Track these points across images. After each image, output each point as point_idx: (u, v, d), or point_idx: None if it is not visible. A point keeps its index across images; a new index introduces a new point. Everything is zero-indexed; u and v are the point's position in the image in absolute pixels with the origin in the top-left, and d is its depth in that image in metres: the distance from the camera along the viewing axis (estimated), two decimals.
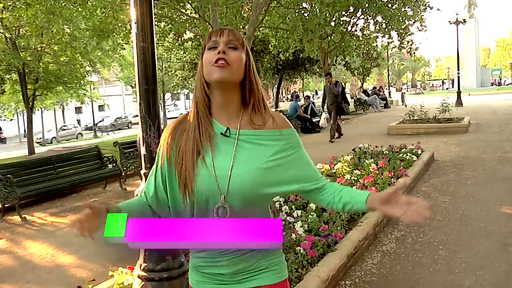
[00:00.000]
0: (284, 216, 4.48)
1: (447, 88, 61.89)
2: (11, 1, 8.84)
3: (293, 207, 4.84)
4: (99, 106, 43.41)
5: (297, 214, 4.51)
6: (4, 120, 36.80)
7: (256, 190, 1.38)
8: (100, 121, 45.95)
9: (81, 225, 1.26)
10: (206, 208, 1.42)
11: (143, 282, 2.87)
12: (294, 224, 4.20)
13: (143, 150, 2.83)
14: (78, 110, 54.36)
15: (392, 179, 6.23)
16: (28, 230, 6.52)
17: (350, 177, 6.13)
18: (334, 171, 6.71)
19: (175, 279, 2.80)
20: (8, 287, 4.45)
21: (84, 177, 8.20)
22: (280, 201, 4.97)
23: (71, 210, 7.47)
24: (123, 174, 8.97)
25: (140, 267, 2.91)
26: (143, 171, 2.87)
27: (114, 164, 8.85)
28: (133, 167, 9.37)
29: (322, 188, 1.48)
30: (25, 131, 45.51)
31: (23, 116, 41.93)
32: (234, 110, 1.46)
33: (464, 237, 4.70)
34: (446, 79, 79.70)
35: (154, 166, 1.51)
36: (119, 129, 46.45)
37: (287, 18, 14.58)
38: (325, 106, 13.73)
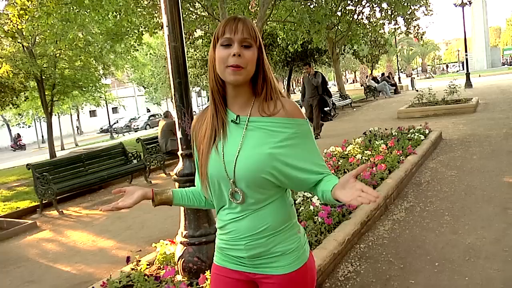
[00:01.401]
0: (302, 193, 4.93)
1: (457, 71, 61.57)
2: (33, 11, 9.34)
3: None
4: (112, 108, 44.05)
5: None
6: (23, 127, 37.63)
7: (258, 174, 1.42)
8: (115, 123, 46.58)
9: (122, 197, 1.54)
10: (220, 193, 1.52)
11: (185, 247, 3.37)
12: (311, 198, 4.66)
13: (179, 134, 3.34)
14: (92, 113, 55.42)
15: (401, 157, 6.65)
16: (67, 222, 7.09)
17: (361, 157, 6.55)
18: (346, 152, 7.14)
19: (212, 243, 3.29)
20: (61, 267, 4.99)
21: (111, 173, 8.74)
22: None
23: (102, 203, 8.01)
24: (147, 168, 9.49)
25: (181, 234, 3.41)
26: (180, 152, 3.38)
27: (138, 159, 9.39)
28: (156, 161, 9.91)
29: (321, 181, 1.48)
30: (43, 137, 46.57)
31: (40, 122, 42.92)
32: (246, 99, 1.50)
33: (468, 204, 5.12)
34: (456, 62, 79.11)
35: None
36: (136, 130, 47.10)
37: (294, 11, 14.96)
38: (304, 100, 12.22)
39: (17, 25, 10.08)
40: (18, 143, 43.15)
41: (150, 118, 46.03)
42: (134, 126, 44.34)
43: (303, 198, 4.82)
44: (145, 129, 42.01)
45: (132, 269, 3.66)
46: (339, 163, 6.43)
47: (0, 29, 9.71)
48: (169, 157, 9.91)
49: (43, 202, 7.87)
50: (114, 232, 6.04)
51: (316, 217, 4.16)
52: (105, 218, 6.90)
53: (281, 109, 1.47)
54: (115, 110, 48.56)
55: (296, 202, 4.72)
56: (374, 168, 5.83)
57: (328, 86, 12.47)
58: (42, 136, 47.75)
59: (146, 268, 3.69)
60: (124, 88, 57.62)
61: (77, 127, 50.05)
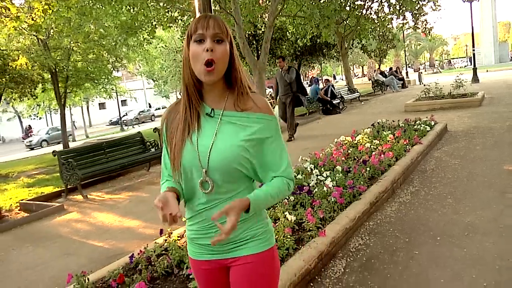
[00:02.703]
0: (316, 176, 5.34)
1: (465, 66, 61.57)
2: (56, 6, 9.77)
3: (322, 169, 5.71)
4: (121, 101, 44.56)
5: (326, 174, 5.37)
6: (34, 119, 38.15)
7: (231, 165, 1.50)
8: (124, 115, 47.11)
9: (166, 218, 1.41)
10: (192, 182, 1.58)
11: None
12: (325, 181, 5.08)
13: None
14: (101, 106, 56.04)
15: (407, 146, 7.05)
16: (92, 205, 7.55)
17: (370, 146, 6.95)
18: (355, 142, 7.53)
19: None
20: (94, 242, 5.45)
21: (131, 160, 9.21)
22: (311, 166, 5.83)
23: (123, 189, 8.49)
24: None
25: None
26: None
27: (156, 148, 9.83)
28: None
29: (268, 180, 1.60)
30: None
31: (50, 114, 43.47)
32: (220, 93, 1.57)
33: (469, 189, 5.51)
34: (464, 57, 78.96)
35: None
36: (143, 122, 47.65)
37: (304, 6, 15.28)
38: (278, 98, 11.24)
39: (41, 19, 10.52)
40: (29, 135, 43.80)
41: (140, 113, 47.46)
42: (124, 120, 44.38)
43: (317, 181, 5.22)
44: (133, 126, 42.24)
45: (165, 240, 4.10)
46: (349, 151, 6.83)
47: (24, 23, 10.11)
48: None
49: (68, 187, 8.33)
50: (139, 214, 6.48)
51: (330, 196, 4.58)
52: (128, 201, 7.37)
53: (253, 105, 1.54)
54: (124, 102, 49.17)
55: (310, 185, 5.13)
56: (382, 156, 6.23)
57: (303, 83, 11.57)
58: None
59: (177, 240, 4.12)
60: (133, 81, 58.17)
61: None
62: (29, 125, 44.56)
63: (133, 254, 3.79)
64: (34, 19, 10.66)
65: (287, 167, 1.60)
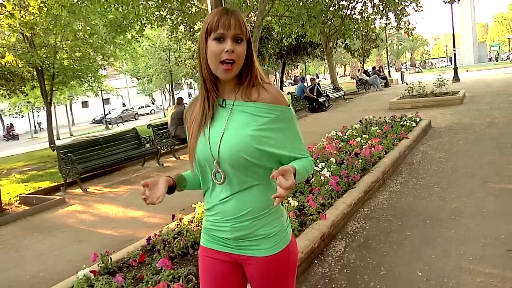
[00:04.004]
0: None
1: (445, 66, 62.81)
2: (51, 4, 9.93)
3: (317, 161, 6.07)
4: (104, 99, 44.41)
5: (322, 166, 5.73)
6: (16, 117, 37.78)
7: (239, 154, 1.49)
8: (108, 114, 46.96)
9: (148, 197, 1.58)
10: (207, 174, 1.60)
11: None
12: (321, 171, 5.43)
13: None
14: (84, 104, 55.65)
15: (395, 141, 7.46)
16: (93, 198, 7.79)
17: (360, 140, 7.33)
18: (346, 136, 7.91)
19: None
20: (102, 231, 5.72)
21: (128, 155, 9.45)
22: None
23: (120, 183, 8.73)
24: (159, 152, 10.20)
25: None
26: None
27: (151, 144, 10.09)
28: (165, 146, 10.64)
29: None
30: (35, 127, 46.72)
31: (33, 112, 43.08)
32: (234, 85, 1.58)
33: (454, 179, 5.93)
34: (444, 57, 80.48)
35: None
36: (126, 120, 47.62)
37: (291, 6, 15.65)
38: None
39: (35, 16, 10.66)
40: (11, 133, 43.32)
41: (123, 112, 48.32)
42: (108, 119, 44.28)
43: (313, 171, 5.57)
44: (117, 125, 42.32)
45: (177, 225, 4.41)
46: (341, 145, 7.21)
47: (20, 21, 10.26)
48: (178, 141, 10.64)
49: (67, 181, 8.55)
50: (141, 205, 6.74)
51: (327, 185, 4.94)
52: (129, 194, 7.63)
53: (264, 96, 1.54)
54: (106, 101, 48.95)
55: None
56: (372, 149, 6.61)
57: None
58: (35, 126, 48.11)
59: (189, 224, 4.42)
60: (115, 80, 57.89)
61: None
62: (11, 123, 44.06)
63: (150, 237, 4.09)
64: (24, 16, 10.75)
65: (306, 152, 1.63)
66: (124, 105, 54.87)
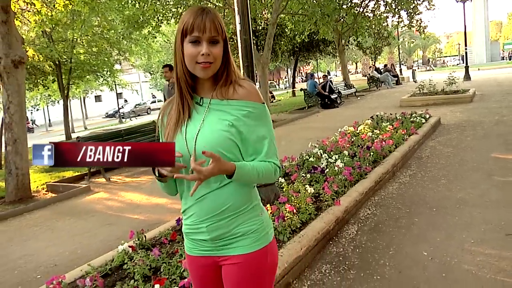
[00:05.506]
0: (325, 160, 6.06)
1: (457, 64, 62.65)
2: (74, 1, 10.36)
3: (331, 153, 6.45)
4: (117, 93, 45.00)
5: (335, 158, 6.09)
6: (31, 111, 38.38)
7: (215, 148, 1.48)
8: (121, 108, 47.54)
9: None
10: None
11: None
12: (334, 163, 5.80)
13: None
14: (97, 98, 56.37)
15: (405, 136, 7.80)
16: (117, 186, 8.23)
17: (371, 135, 7.68)
18: (357, 131, 8.27)
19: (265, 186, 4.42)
20: (129, 215, 6.14)
21: None
22: (320, 151, 6.55)
23: (141, 173, 9.14)
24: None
25: None
26: None
27: None
28: None
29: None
30: (49, 120, 47.40)
31: (47, 106, 43.78)
32: (210, 84, 1.59)
33: (461, 172, 6.26)
34: (456, 55, 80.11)
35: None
36: (139, 115, 48.17)
37: (306, 4, 15.97)
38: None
39: (61, 13, 11.11)
40: (26, 126, 43.92)
41: (136, 106, 48.56)
42: (122, 113, 44.80)
43: (327, 163, 5.95)
44: (130, 119, 42.91)
45: None
46: (353, 139, 7.56)
47: (45, 17, 10.71)
48: None
49: (91, 171, 8.99)
50: (164, 193, 7.13)
51: (340, 175, 5.31)
52: (151, 183, 8.04)
53: (240, 92, 1.56)
54: (119, 95, 49.55)
55: (322, 165, 5.85)
56: (383, 143, 6.97)
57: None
58: (49, 119, 48.86)
59: None
60: (128, 74, 58.54)
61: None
62: (26, 117, 44.63)
63: (179, 217, 4.49)
64: (48, 13, 11.14)
65: (273, 155, 1.60)
66: (126, 101, 55.37)
